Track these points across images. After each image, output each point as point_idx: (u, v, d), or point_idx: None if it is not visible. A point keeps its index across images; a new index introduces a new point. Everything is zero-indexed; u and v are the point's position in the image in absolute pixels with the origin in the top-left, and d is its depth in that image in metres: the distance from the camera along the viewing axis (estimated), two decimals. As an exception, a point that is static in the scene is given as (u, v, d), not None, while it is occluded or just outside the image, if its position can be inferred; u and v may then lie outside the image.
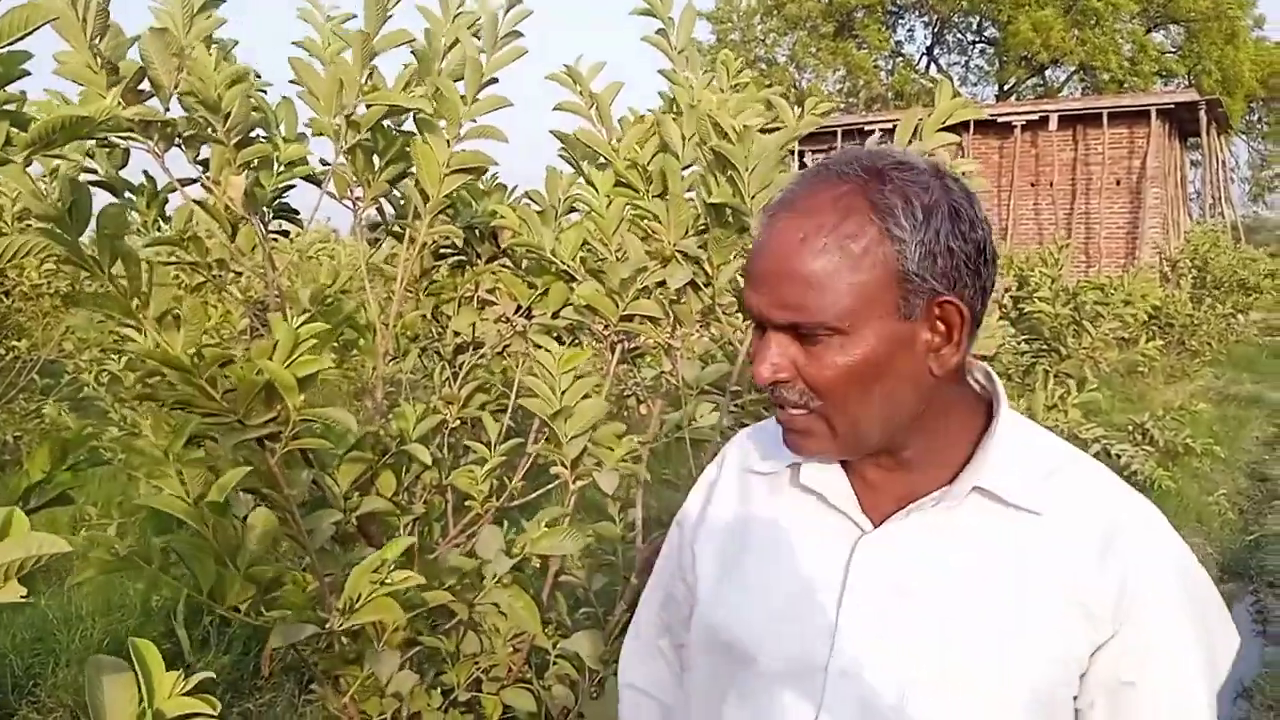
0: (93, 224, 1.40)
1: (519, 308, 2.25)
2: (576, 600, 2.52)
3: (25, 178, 1.27)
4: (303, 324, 1.53)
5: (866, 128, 17.86)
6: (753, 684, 0.91)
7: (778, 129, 1.87)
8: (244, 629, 3.20)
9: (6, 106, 1.02)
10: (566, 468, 1.98)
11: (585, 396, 1.90)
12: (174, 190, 1.95)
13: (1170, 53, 26.47)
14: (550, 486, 2.19)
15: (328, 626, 1.25)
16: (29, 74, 1.30)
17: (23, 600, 0.57)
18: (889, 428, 0.84)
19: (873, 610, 0.85)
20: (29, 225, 1.35)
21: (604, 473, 1.90)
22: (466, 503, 2.11)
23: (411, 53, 1.95)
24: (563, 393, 1.89)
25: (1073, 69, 27.32)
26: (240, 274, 1.98)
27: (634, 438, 1.91)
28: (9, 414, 5.69)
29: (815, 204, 0.81)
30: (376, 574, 1.24)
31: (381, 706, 1.60)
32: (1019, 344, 6.29)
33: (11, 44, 0.96)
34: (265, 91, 1.99)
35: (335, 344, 1.98)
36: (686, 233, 1.89)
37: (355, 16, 1.97)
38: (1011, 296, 7.31)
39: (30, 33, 1.00)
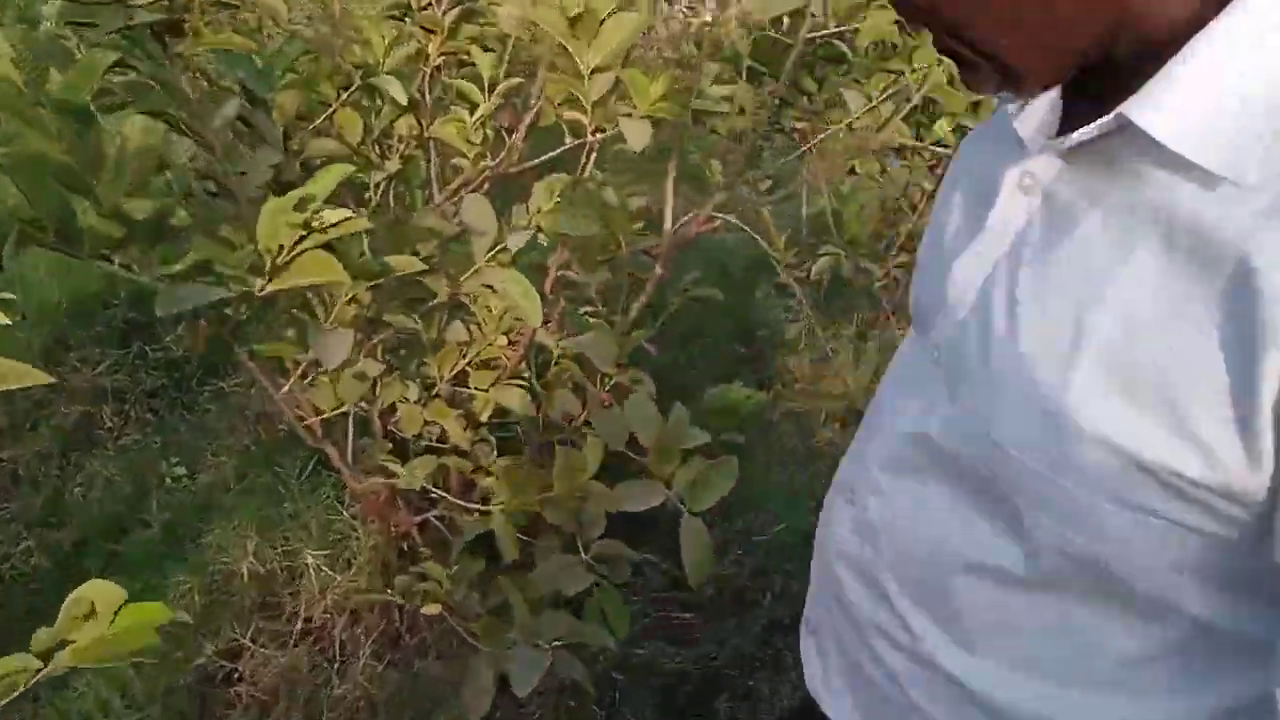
0: None
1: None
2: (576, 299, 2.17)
3: None
4: None
5: None
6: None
7: None
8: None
9: None
10: (586, 113, 1.52)
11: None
12: None
13: None
14: (560, 150, 1.73)
15: (234, 288, 0.85)
16: None
17: None
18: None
19: (984, 261, 0.63)
20: None
21: (634, 121, 1.44)
22: (454, 162, 1.67)
23: None
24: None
25: None
26: None
27: (676, 74, 1.44)
28: None
29: None
30: (299, 214, 0.82)
31: (336, 397, 1.25)
32: None
33: None
34: None
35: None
36: None
37: None
38: None
39: None
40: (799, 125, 2.32)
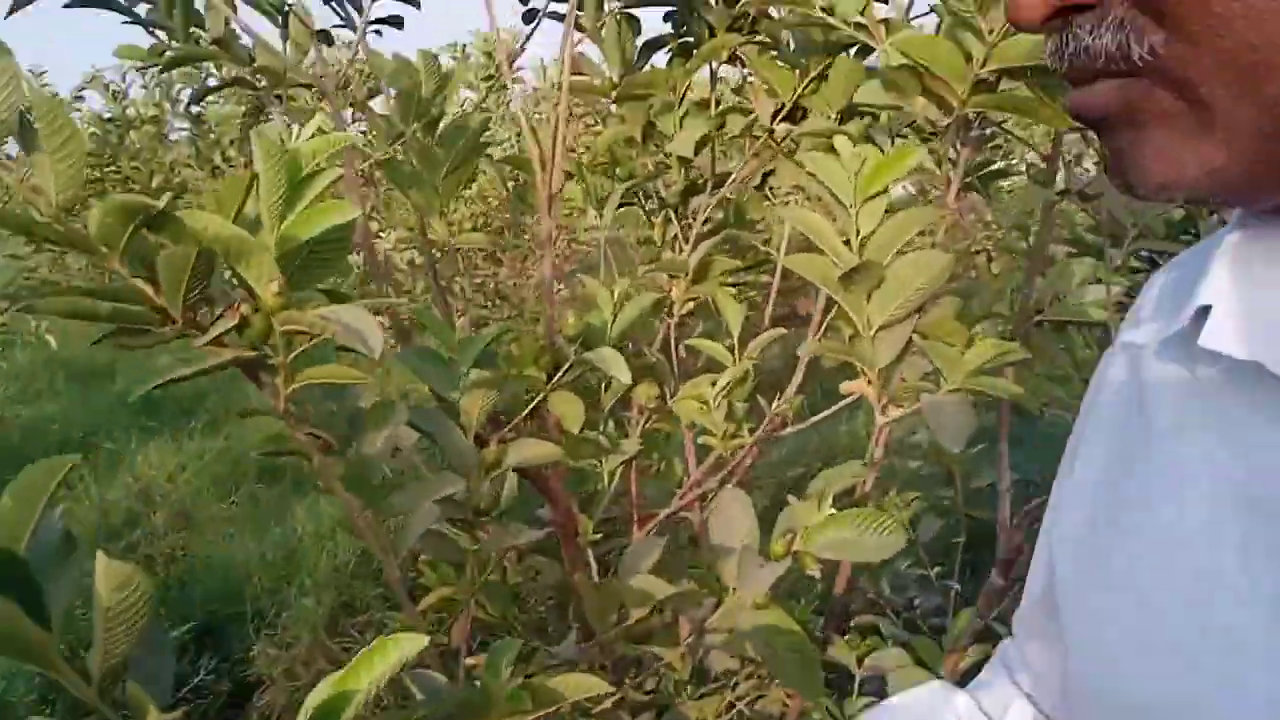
0: None
1: (779, 110, 1.34)
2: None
3: None
4: (313, 135, 0.74)
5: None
6: None
7: None
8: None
9: None
10: (869, 382, 1.08)
11: (905, 248, 0.99)
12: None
13: None
14: (834, 408, 1.28)
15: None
16: None
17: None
18: None
19: None
20: None
21: (940, 396, 0.98)
22: (701, 439, 1.29)
23: None
24: (862, 238, 0.98)
25: None
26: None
27: (996, 329, 0.97)
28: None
29: None
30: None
31: None
32: None
33: None
34: None
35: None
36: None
37: None
38: None
39: None
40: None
